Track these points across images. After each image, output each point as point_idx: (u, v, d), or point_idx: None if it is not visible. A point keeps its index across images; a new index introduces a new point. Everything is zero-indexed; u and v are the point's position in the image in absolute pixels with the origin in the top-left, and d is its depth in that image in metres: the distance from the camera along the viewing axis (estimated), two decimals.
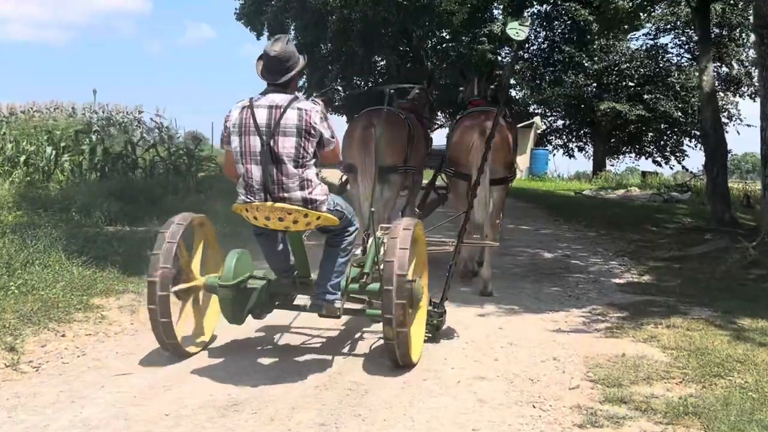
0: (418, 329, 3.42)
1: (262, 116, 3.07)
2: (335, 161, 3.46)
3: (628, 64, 27.45)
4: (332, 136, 3.22)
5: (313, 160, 3.16)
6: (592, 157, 30.95)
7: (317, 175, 3.19)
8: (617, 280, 5.71)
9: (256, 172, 3.07)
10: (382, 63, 31.05)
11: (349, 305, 3.51)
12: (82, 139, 9.95)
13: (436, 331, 3.73)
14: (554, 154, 32.02)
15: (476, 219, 4.69)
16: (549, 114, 31.51)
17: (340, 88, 34.06)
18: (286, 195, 3.07)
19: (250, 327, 3.83)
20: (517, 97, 34.17)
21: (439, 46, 31.24)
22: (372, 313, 3.51)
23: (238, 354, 3.52)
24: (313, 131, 3.09)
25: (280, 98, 3.10)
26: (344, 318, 3.74)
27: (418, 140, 5.70)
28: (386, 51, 28.95)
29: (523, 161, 26.12)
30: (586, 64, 29.04)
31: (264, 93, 3.15)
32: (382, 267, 3.16)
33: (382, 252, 3.32)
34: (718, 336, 3.83)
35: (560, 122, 32.23)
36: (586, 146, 32.19)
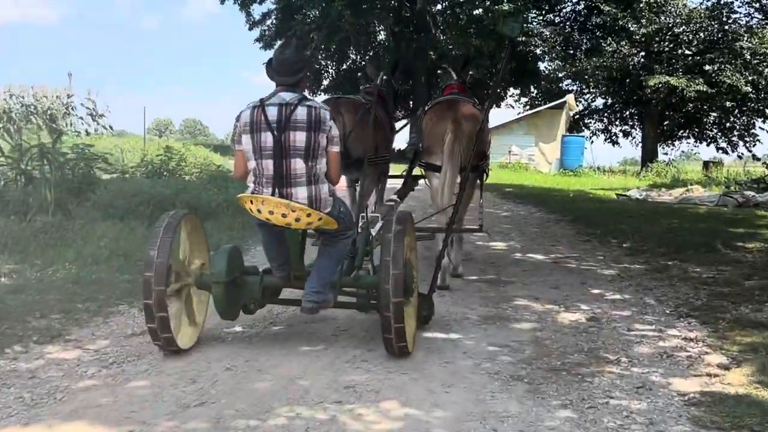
0: (411, 317, 4.00)
1: (273, 113, 3.71)
2: (337, 172, 3.95)
3: (684, 27, 24.98)
4: (338, 140, 3.89)
5: (324, 159, 3.81)
6: (640, 144, 28.69)
7: (326, 175, 3.83)
8: (682, 385, 3.57)
9: (267, 165, 3.71)
10: (380, 31, 29.05)
11: (341, 298, 4.10)
12: None
13: (425, 323, 4.36)
14: (592, 141, 29.84)
15: (440, 203, 5.55)
16: (586, 91, 29.43)
17: (324, 63, 32.17)
18: (293, 191, 3.71)
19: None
20: (545, 71, 32.04)
21: (449, 10, 29.10)
22: (366, 305, 4.16)
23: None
24: (323, 125, 3.75)
25: (290, 96, 3.76)
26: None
27: (385, 129, 6.33)
28: (381, 15, 26.93)
29: (551, 151, 23.93)
30: (631, 28, 26.69)
31: (273, 93, 3.81)
32: (377, 263, 3.97)
33: (371, 243, 4.51)
34: None
35: (600, 101, 29.96)
36: (633, 130, 29.93)
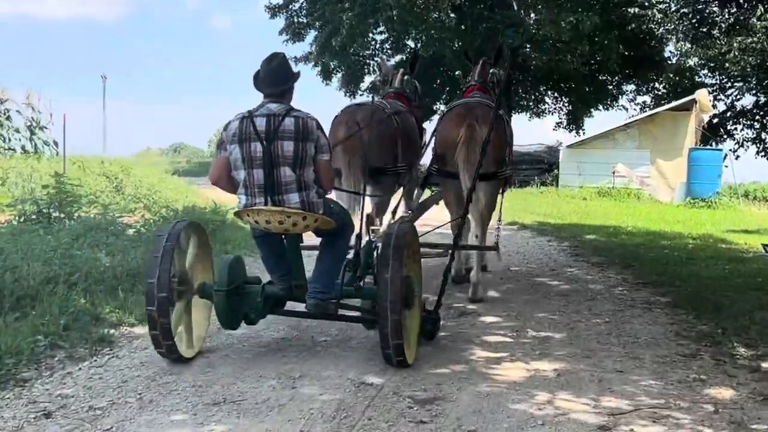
0: (413, 327, 5.08)
1: (261, 124, 4.72)
2: (329, 180, 5.13)
3: None
4: (327, 148, 4.98)
5: (312, 167, 4.85)
6: None
7: (315, 181, 4.89)
8: None
9: (257, 175, 4.73)
10: (440, 7, 26.62)
11: (342, 311, 5.20)
12: None
13: (431, 338, 5.53)
14: (737, 156, 26.37)
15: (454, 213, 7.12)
16: (727, 84, 26.28)
17: (365, 53, 30.07)
18: (284, 197, 4.74)
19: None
20: (669, 59, 28.81)
21: None
22: (368, 319, 5.35)
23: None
24: (310, 135, 4.78)
25: (277, 108, 4.78)
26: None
27: (409, 135, 7.60)
28: None
29: (674, 171, 20.77)
30: None
31: (261, 105, 4.83)
32: (376, 275, 5.06)
33: (374, 255, 5.44)
34: None
35: (749, 98, 26.59)
36: None
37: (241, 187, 4.81)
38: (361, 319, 5.41)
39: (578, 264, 9.44)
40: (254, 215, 4.79)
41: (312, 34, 30.29)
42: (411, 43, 31.49)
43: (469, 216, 6.76)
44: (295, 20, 30.82)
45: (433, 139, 7.58)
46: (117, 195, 13.39)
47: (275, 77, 4.83)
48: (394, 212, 7.69)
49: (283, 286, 5.15)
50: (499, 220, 7.52)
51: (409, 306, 4.94)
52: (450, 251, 6.22)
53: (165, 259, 4.75)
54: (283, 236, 5.06)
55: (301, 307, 5.25)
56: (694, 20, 26.08)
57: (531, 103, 36.34)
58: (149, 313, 4.74)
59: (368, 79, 31.47)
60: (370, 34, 28.43)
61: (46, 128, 21.24)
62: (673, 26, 25.55)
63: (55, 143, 21.42)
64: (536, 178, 23.34)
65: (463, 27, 27.49)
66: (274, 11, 30.61)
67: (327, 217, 4.87)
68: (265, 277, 5.40)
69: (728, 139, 26.53)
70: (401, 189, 8.15)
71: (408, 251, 4.91)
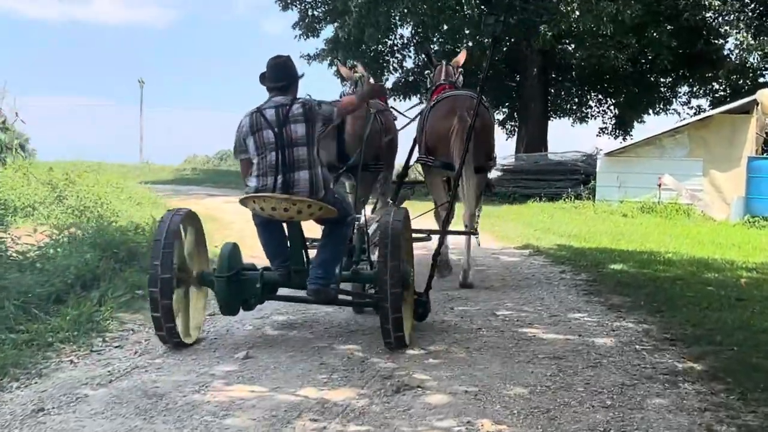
0: (408, 310, 5.66)
1: (271, 114, 5.50)
2: (350, 106, 6.21)
3: None
4: (332, 108, 5.82)
5: (316, 146, 5.60)
6: None
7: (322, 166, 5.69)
8: None
9: (270, 157, 5.42)
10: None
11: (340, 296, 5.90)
12: None
13: (421, 320, 6.11)
14: None
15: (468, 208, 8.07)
16: None
17: (379, 48, 28.49)
18: (295, 175, 5.39)
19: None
20: (729, 56, 26.82)
21: None
22: (366, 302, 6.19)
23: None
24: (317, 116, 5.58)
25: (283, 99, 5.57)
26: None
27: (390, 133, 8.56)
28: None
29: (731, 184, 18.77)
30: None
31: (268, 100, 5.61)
32: (375, 256, 5.83)
33: (366, 241, 6.41)
34: None
35: None
36: None
37: (253, 170, 5.49)
38: (354, 302, 6.29)
39: (590, 307, 7.59)
40: (260, 202, 5.36)
41: (327, 31, 29.19)
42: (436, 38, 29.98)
43: (460, 202, 7.75)
44: (309, 13, 29.72)
45: (423, 131, 8.42)
46: (57, 207, 12.11)
47: (278, 71, 5.65)
48: (373, 209, 8.68)
49: (282, 272, 5.69)
50: (480, 208, 8.58)
51: (404, 288, 5.49)
52: (436, 236, 7.10)
53: (168, 243, 5.26)
54: (284, 223, 5.62)
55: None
56: (757, 10, 24.15)
57: (574, 106, 34.56)
58: (152, 295, 5.21)
59: (391, 78, 29.94)
60: (391, 28, 26.91)
61: (8, 130, 19.92)
62: (733, 16, 23.62)
63: (21, 147, 19.99)
64: (569, 190, 21.46)
65: (486, 21, 25.78)
66: (286, 3, 29.53)
67: (330, 206, 5.50)
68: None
69: None
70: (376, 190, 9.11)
71: (403, 235, 5.52)
